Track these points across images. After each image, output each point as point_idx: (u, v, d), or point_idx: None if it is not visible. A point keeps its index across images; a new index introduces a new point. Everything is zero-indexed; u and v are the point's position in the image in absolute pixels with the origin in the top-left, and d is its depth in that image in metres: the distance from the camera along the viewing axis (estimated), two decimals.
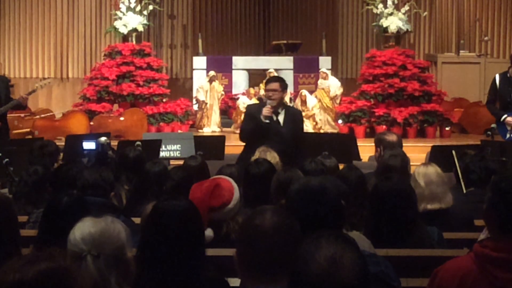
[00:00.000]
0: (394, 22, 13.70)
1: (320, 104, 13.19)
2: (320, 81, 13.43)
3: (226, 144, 9.96)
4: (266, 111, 7.22)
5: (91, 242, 2.71)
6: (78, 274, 2.01)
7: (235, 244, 2.61)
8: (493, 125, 8.50)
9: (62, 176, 5.43)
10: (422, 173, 5.01)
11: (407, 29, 13.97)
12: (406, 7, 13.92)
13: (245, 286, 2.58)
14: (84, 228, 2.77)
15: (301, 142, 7.38)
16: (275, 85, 7.33)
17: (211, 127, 13.47)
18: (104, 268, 2.64)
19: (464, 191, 5.83)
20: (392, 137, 6.80)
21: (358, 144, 9.02)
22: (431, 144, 9.31)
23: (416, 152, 10.32)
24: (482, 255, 2.59)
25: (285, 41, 15.02)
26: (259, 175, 5.09)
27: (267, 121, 7.15)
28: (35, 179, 5.79)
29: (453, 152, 6.55)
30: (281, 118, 7.30)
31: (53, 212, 3.73)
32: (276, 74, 13.52)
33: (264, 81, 7.50)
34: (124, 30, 13.86)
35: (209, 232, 4.03)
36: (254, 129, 7.27)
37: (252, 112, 7.45)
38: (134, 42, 13.96)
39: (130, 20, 13.83)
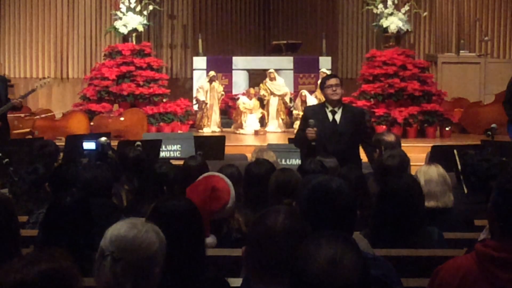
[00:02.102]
0: (394, 22, 13.70)
1: None
2: (320, 81, 13.44)
3: (226, 144, 9.97)
4: (310, 135, 6.84)
5: (118, 245, 2.65)
6: (79, 274, 2.02)
7: (245, 241, 2.59)
8: (493, 125, 8.50)
9: (61, 176, 5.43)
10: (423, 171, 5.09)
11: (407, 29, 13.98)
12: (406, 7, 13.92)
13: (248, 285, 2.58)
14: (117, 229, 2.71)
15: (367, 141, 6.97)
16: (337, 80, 7.02)
17: (211, 127, 13.47)
18: (120, 273, 2.60)
19: (465, 191, 5.83)
20: (390, 137, 6.79)
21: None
22: (431, 144, 9.32)
23: (416, 152, 10.32)
24: (483, 254, 2.59)
25: (285, 41, 15.02)
26: (260, 175, 5.09)
27: (313, 143, 6.81)
28: (34, 178, 5.79)
29: (455, 151, 6.55)
30: (337, 117, 6.99)
31: (55, 212, 3.73)
32: (276, 74, 13.55)
33: (319, 82, 7.27)
34: (124, 30, 13.86)
35: (212, 239, 4.02)
36: (302, 145, 7.05)
37: (306, 116, 7.11)
38: (134, 42, 13.96)
39: (130, 20, 13.83)
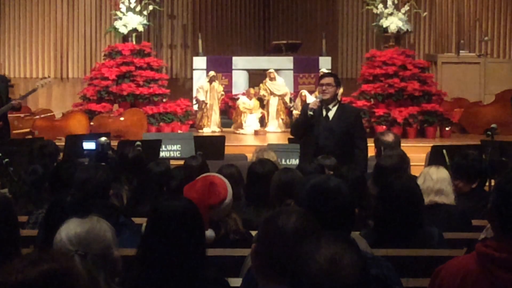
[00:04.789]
0: (394, 22, 13.71)
1: None
2: None
3: (226, 144, 9.97)
4: (312, 103, 7.20)
5: (78, 242, 2.71)
6: (80, 275, 2.02)
7: (256, 239, 2.59)
8: (493, 125, 8.50)
9: (60, 176, 5.43)
10: (434, 170, 5.21)
11: (407, 29, 13.98)
12: (406, 7, 13.92)
13: (251, 283, 2.57)
14: (70, 229, 2.77)
15: (358, 143, 7.15)
16: (329, 79, 7.22)
17: (211, 127, 13.47)
18: (92, 267, 2.64)
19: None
20: (388, 137, 6.80)
21: None
22: (431, 144, 9.31)
23: (416, 152, 10.32)
24: (484, 255, 2.59)
25: (285, 41, 15.02)
26: (263, 174, 5.09)
27: (311, 113, 7.07)
28: (34, 179, 5.79)
29: (443, 151, 6.61)
30: (331, 114, 7.17)
31: (55, 212, 3.73)
32: (276, 74, 13.55)
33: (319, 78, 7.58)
34: (124, 30, 13.86)
35: (210, 233, 4.03)
36: (300, 121, 7.30)
37: (305, 109, 7.41)
38: (134, 42, 13.96)
39: (130, 20, 13.83)
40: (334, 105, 7.21)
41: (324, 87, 7.18)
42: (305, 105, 8.48)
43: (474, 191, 5.65)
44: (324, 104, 7.14)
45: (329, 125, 7.12)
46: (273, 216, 2.54)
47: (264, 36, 16.75)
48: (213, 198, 4.11)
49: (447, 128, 13.31)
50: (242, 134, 13.39)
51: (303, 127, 7.20)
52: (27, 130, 12.72)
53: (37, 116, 13.25)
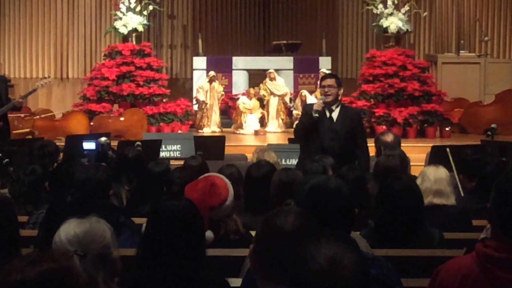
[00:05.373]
0: (394, 22, 13.71)
1: None
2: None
3: (226, 144, 9.97)
4: (317, 105, 7.15)
5: (77, 242, 2.72)
6: (80, 274, 2.03)
7: (254, 240, 2.58)
8: (493, 125, 8.50)
9: (60, 176, 5.43)
10: (433, 170, 5.17)
11: (407, 29, 13.98)
12: (406, 7, 13.92)
13: (251, 283, 2.57)
14: (69, 229, 2.77)
15: (360, 144, 7.15)
16: (331, 81, 7.20)
17: (211, 127, 13.47)
18: (91, 268, 2.65)
19: (462, 193, 5.84)
20: (388, 137, 6.80)
21: None
22: (431, 144, 9.31)
23: (416, 152, 10.33)
24: (484, 255, 2.59)
25: (285, 41, 15.03)
26: (261, 177, 5.08)
27: (317, 115, 7.05)
28: (33, 179, 5.78)
29: (447, 150, 6.59)
30: (334, 115, 7.16)
31: (56, 212, 3.73)
32: (276, 74, 13.55)
33: (319, 80, 7.51)
34: (124, 30, 13.86)
35: (209, 234, 4.03)
36: (305, 123, 7.24)
37: (307, 110, 7.37)
38: (134, 42, 13.96)
39: (130, 20, 13.83)
40: (337, 106, 7.22)
41: (326, 89, 7.17)
42: (305, 105, 8.46)
43: (478, 190, 5.63)
44: (327, 105, 7.13)
45: (334, 127, 7.10)
46: (272, 216, 2.53)
47: (264, 36, 16.75)
48: (213, 199, 4.11)
49: (447, 128, 13.31)
50: (242, 134, 13.39)
51: (308, 129, 7.17)
52: (27, 130, 12.72)
53: (37, 116, 13.25)
